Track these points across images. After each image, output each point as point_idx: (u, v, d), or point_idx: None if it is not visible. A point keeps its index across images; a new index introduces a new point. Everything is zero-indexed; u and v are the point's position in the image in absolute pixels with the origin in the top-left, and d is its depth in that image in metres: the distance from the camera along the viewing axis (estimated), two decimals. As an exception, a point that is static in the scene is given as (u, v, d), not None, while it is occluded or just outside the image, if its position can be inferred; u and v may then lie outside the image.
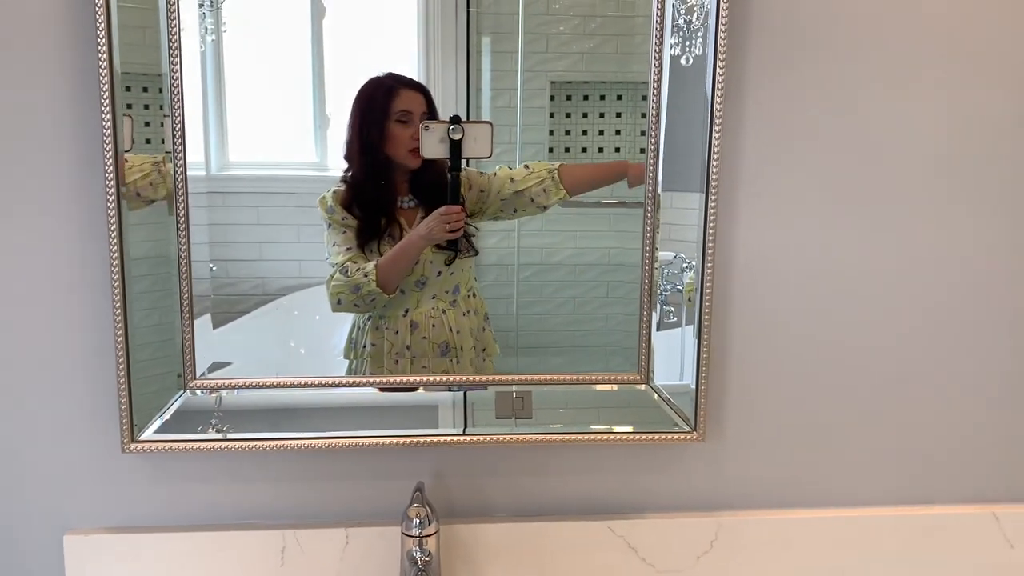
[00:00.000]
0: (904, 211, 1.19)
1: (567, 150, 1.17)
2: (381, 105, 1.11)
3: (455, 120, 1.10)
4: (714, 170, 1.11)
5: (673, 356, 1.18)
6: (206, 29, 1.07)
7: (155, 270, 1.10)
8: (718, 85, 1.08)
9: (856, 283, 1.20)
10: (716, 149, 1.10)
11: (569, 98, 1.17)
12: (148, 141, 1.07)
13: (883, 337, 1.22)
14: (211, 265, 1.13)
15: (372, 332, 1.18)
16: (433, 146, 1.11)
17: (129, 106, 1.05)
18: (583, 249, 1.19)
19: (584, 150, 1.17)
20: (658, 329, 1.19)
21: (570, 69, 1.16)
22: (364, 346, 1.19)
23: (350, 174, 1.14)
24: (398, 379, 1.18)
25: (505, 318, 1.21)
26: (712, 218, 1.12)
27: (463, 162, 1.13)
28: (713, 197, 1.12)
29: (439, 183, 1.13)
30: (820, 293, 1.20)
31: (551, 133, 1.17)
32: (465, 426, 1.19)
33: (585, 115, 1.17)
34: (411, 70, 1.13)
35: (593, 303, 1.20)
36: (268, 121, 1.15)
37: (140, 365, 1.11)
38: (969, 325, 1.23)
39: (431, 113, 1.12)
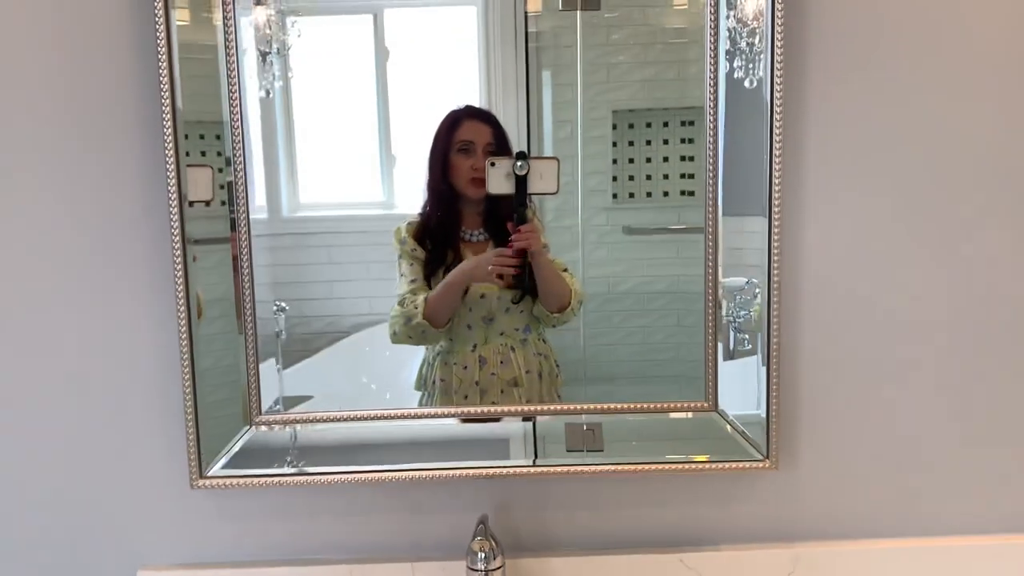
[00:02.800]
0: (979, 223, 1.14)
1: (631, 178, 1.17)
2: (444, 135, 1.13)
3: (521, 156, 1.11)
4: (776, 192, 1.08)
5: (750, 385, 1.15)
6: (274, 75, 1.11)
7: (228, 311, 1.13)
8: (776, 102, 1.06)
9: (932, 299, 1.16)
10: (777, 170, 1.08)
11: (631, 126, 1.16)
12: (222, 187, 1.11)
13: (965, 356, 1.17)
14: (283, 304, 1.16)
15: (441, 367, 1.19)
16: (499, 182, 1.12)
17: (203, 154, 1.09)
18: (651, 278, 1.18)
19: (648, 177, 1.16)
20: (732, 357, 1.15)
21: (632, 97, 1.15)
22: (433, 381, 1.19)
23: (425, 206, 1.16)
24: (467, 409, 1.18)
25: (572, 350, 1.20)
26: (776, 241, 1.09)
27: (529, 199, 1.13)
28: (777, 220, 1.09)
29: (510, 218, 1.13)
30: (894, 312, 1.16)
31: (614, 162, 1.16)
32: (535, 457, 1.18)
33: (648, 142, 1.16)
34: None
35: (662, 332, 1.18)
36: (336, 163, 1.18)
37: (214, 405, 1.13)
38: None
39: (498, 144, 1.12)
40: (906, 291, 1.15)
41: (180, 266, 1.08)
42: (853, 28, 1.10)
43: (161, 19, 1.03)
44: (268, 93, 1.11)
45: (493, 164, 1.11)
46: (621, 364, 1.20)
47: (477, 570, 1.08)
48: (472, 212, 1.17)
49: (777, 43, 1.05)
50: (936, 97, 1.12)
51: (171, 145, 1.05)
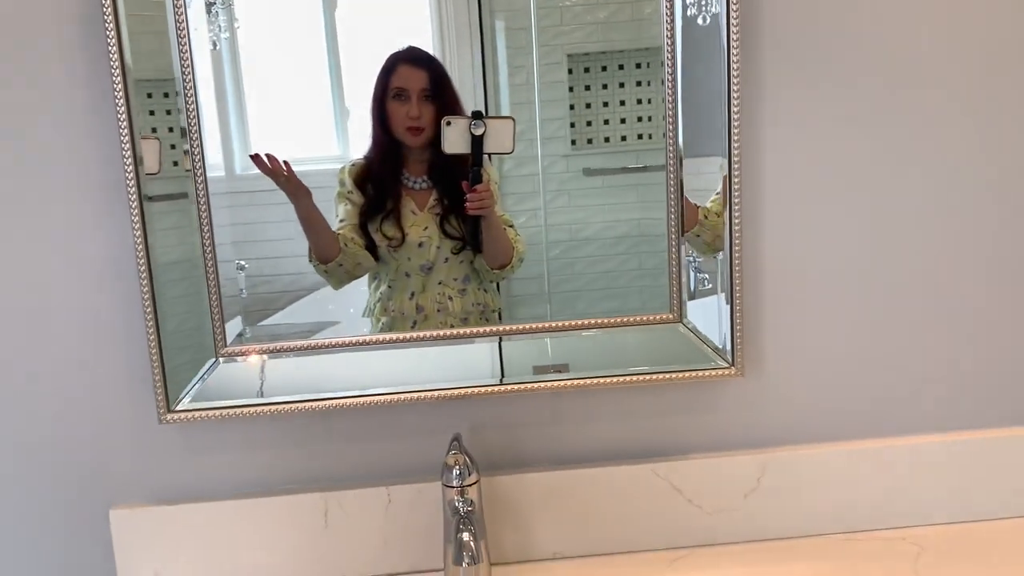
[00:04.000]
0: (941, 139, 1.16)
1: (589, 124, 1.16)
2: (381, 82, 1.11)
3: (477, 116, 1.10)
4: (735, 124, 1.09)
5: (711, 322, 1.17)
6: (219, 27, 1.07)
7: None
8: (733, 35, 1.06)
9: (893, 211, 1.18)
10: (736, 107, 1.08)
11: (587, 70, 1.15)
12: (173, 147, 1.08)
13: (925, 265, 1.20)
14: (243, 262, 1.14)
15: (380, 314, 1.19)
16: (455, 141, 1.11)
17: (152, 113, 1.06)
18: (613, 222, 1.18)
19: (606, 122, 1.16)
20: (693, 297, 1.17)
21: (586, 40, 1.14)
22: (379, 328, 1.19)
23: (369, 150, 1.15)
24: (433, 333, 1.17)
25: (537, 298, 1.21)
26: (736, 164, 1.10)
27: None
28: (736, 149, 1.10)
29: (456, 168, 1.12)
30: (856, 224, 1.18)
31: (572, 107, 1.16)
32: (503, 376, 1.18)
33: (605, 86, 1.15)
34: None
35: (625, 276, 1.19)
36: (289, 117, 1.16)
37: (180, 337, 1.12)
38: (1012, 248, 1.20)
39: (435, 90, 1.11)
40: (871, 203, 1.17)
41: (136, 207, 1.06)
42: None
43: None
44: (215, 45, 1.07)
45: (449, 123, 1.10)
46: (587, 312, 1.20)
47: (452, 486, 1.08)
48: (416, 160, 1.15)
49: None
50: (896, 26, 1.13)
51: (123, 105, 1.03)
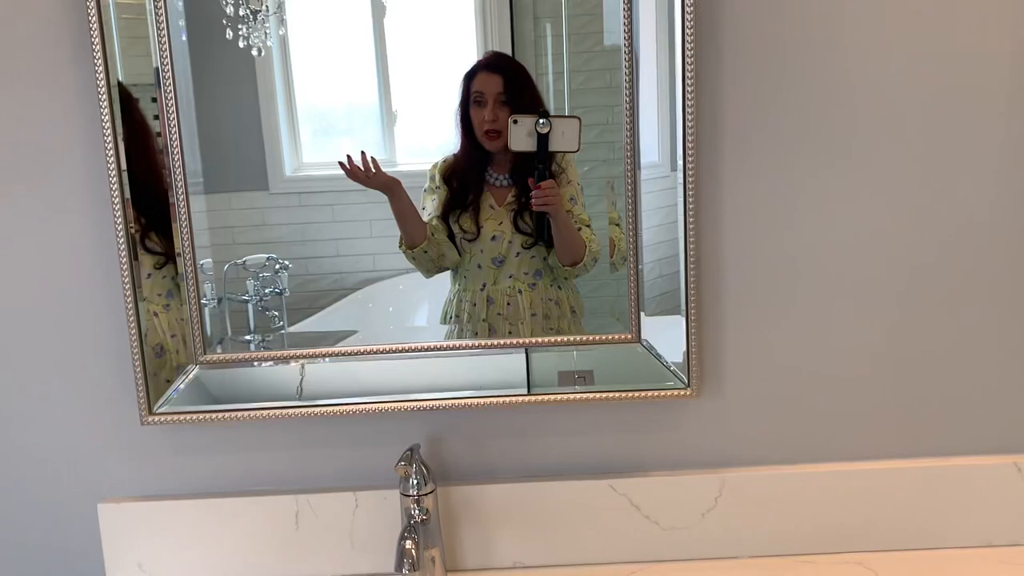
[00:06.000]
0: (901, 156, 1.15)
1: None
2: (464, 87, 1.14)
3: (543, 115, 1.12)
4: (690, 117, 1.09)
5: (671, 342, 1.17)
6: (266, 33, 1.11)
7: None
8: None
9: (857, 232, 1.16)
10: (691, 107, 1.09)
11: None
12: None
13: (892, 287, 1.18)
14: (286, 262, 1.18)
15: (457, 305, 1.22)
16: (521, 139, 1.13)
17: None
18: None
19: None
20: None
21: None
22: (456, 317, 1.22)
23: (458, 148, 1.18)
24: (393, 345, 1.19)
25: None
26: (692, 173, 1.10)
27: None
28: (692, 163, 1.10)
29: (533, 168, 1.14)
30: (819, 245, 1.17)
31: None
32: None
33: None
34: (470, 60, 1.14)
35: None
36: (337, 121, 1.19)
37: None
38: (983, 271, 1.18)
39: (510, 94, 1.13)
40: (833, 223, 1.16)
41: (120, 210, 1.11)
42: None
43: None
44: (260, 52, 1.11)
45: (516, 122, 1.12)
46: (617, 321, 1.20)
47: (409, 495, 1.12)
48: (501, 159, 1.18)
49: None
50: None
51: (107, 110, 1.08)
